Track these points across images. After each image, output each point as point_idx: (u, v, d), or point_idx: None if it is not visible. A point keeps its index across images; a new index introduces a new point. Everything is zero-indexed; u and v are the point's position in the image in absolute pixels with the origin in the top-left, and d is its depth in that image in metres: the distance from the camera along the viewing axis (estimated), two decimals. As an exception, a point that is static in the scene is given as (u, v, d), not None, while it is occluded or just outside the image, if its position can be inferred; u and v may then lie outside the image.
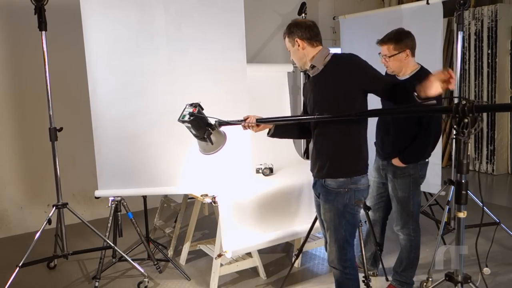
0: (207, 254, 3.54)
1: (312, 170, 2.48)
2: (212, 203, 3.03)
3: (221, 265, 3.18)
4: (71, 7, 3.70)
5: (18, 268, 3.09)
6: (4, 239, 4.40)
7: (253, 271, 3.48)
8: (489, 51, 6.35)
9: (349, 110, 2.20)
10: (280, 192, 3.27)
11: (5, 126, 4.44)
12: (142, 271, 3.31)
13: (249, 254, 3.34)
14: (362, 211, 2.93)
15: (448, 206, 3.46)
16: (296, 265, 3.55)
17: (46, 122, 3.26)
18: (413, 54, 2.83)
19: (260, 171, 3.62)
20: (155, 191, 3.42)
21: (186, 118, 2.36)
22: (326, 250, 2.58)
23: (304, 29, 2.31)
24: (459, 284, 2.10)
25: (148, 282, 3.28)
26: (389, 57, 2.81)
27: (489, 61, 6.37)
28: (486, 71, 6.43)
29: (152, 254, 3.56)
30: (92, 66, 3.20)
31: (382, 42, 2.86)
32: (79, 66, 3.46)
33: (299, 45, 2.34)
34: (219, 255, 3.06)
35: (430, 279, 3.13)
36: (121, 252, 3.40)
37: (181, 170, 3.33)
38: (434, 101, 2.12)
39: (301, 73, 5.51)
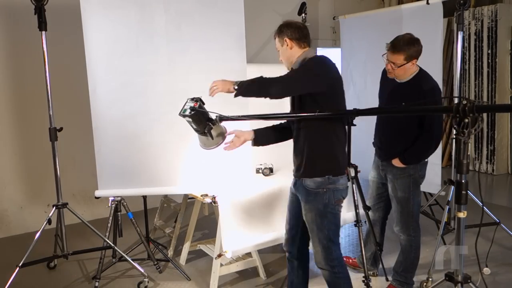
0: (207, 254, 3.54)
1: (293, 170, 2.51)
2: (212, 203, 3.03)
3: (221, 265, 3.18)
4: (71, 7, 3.70)
5: (18, 268, 3.09)
6: (4, 239, 4.40)
7: (253, 271, 3.48)
8: (489, 51, 6.35)
9: (313, 110, 2.27)
10: (280, 192, 3.27)
11: (5, 126, 4.44)
12: (142, 271, 3.31)
13: (249, 254, 3.34)
14: (362, 211, 2.96)
15: (448, 206, 3.46)
16: (296, 265, 3.54)
17: (46, 122, 3.26)
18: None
19: (260, 171, 3.62)
20: (155, 191, 3.42)
21: (187, 113, 2.35)
22: (283, 247, 2.66)
23: (293, 29, 2.37)
24: (459, 284, 2.10)
25: (148, 282, 3.28)
26: (398, 66, 2.74)
27: (489, 61, 6.37)
28: (486, 71, 6.43)
29: (152, 254, 3.56)
30: (92, 66, 3.19)
31: (393, 51, 2.73)
32: (79, 66, 3.46)
33: (287, 45, 2.38)
34: (219, 255, 3.06)
35: (430, 279, 3.13)
36: (121, 252, 3.40)
37: (181, 170, 3.33)
38: None
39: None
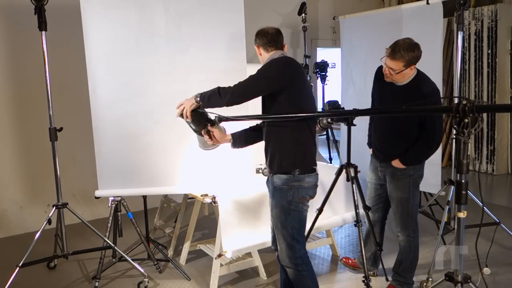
0: (207, 254, 3.54)
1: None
2: (212, 203, 3.03)
3: (221, 265, 3.18)
4: (71, 7, 3.70)
5: (18, 268, 3.09)
6: (4, 239, 4.40)
7: (253, 271, 3.48)
8: (489, 51, 6.34)
9: (276, 111, 2.38)
10: (280, 192, 3.27)
11: (5, 126, 4.44)
12: (142, 271, 3.31)
13: (249, 254, 3.34)
14: (362, 211, 2.96)
15: (448, 206, 3.46)
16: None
17: (46, 122, 3.26)
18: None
19: (260, 171, 3.59)
20: (155, 191, 3.42)
21: None
22: (271, 245, 2.71)
23: (261, 36, 2.50)
24: (459, 284, 2.10)
25: (148, 282, 3.28)
26: (397, 73, 2.72)
27: (489, 61, 6.37)
28: (486, 71, 6.43)
29: (152, 254, 3.56)
30: (92, 66, 3.20)
31: (393, 57, 2.69)
32: (79, 66, 3.46)
33: (257, 50, 2.55)
34: (219, 255, 3.06)
35: (430, 279, 3.13)
36: (121, 252, 3.40)
37: (181, 170, 3.33)
38: None
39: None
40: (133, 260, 3.38)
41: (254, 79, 2.36)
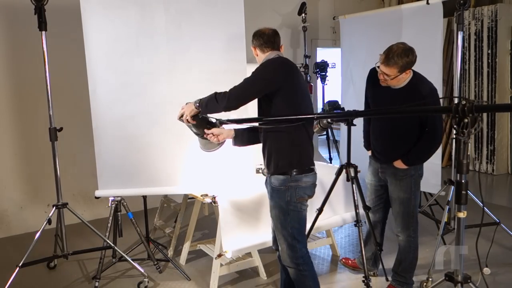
0: (207, 254, 3.54)
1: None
2: (212, 203, 3.03)
3: (221, 265, 3.18)
4: (71, 7, 3.70)
5: (18, 268, 3.09)
6: (4, 239, 4.40)
7: (253, 271, 3.48)
8: (489, 51, 6.34)
9: (272, 112, 2.38)
10: (280, 192, 3.27)
11: (5, 126, 4.44)
12: (142, 271, 3.31)
13: (249, 254, 3.34)
14: (362, 212, 2.96)
15: (448, 206, 3.46)
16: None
17: (46, 122, 3.26)
18: None
19: (260, 171, 3.60)
20: (155, 191, 3.42)
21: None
22: (272, 245, 2.72)
23: (257, 37, 2.51)
24: (459, 284, 2.10)
25: (148, 282, 3.28)
26: (392, 78, 2.71)
27: (489, 61, 6.37)
28: (486, 71, 6.42)
29: (152, 254, 3.56)
30: (92, 66, 3.20)
31: (387, 64, 2.67)
32: (79, 66, 3.46)
33: (254, 51, 2.56)
34: (219, 255, 3.06)
35: (430, 279, 3.13)
36: (121, 252, 3.40)
37: (181, 170, 3.33)
38: None
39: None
40: (133, 260, 3.38)
41: (249, 81, 2.36)
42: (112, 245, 3.39)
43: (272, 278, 3.40)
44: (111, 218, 3.41)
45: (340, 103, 3.48)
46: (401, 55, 2.63)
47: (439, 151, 4.03)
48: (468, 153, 1.89)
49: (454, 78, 3.71)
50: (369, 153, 3.12)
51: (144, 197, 3.65)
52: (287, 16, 6.15)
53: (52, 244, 3.51)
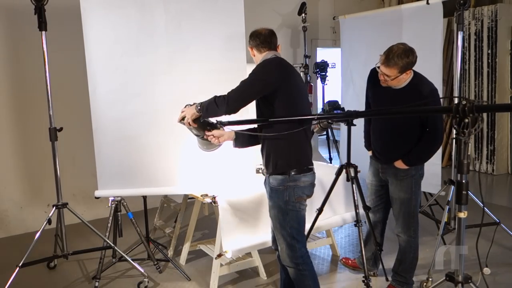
0: (207, 254, 3.54)
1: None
2: (212, 203, 3.03)
3: (221, 265, 3.18)
4: (71, 7, 3.70)
5: (18, 268, 3.09)
6: (4, 239, 4.40)
7: (253, 271, 3.48)
8: (489, 51, 6.34)
9: (271, 113, 2.38)
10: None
11: (5, 126, 4.44)
12: (142, 271, 3.30)
13: (249, 254, 3.34)
14: (362, 212, 2.96)
15: (448, 206, 3.46)
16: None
17: (46, 122, 3.26)
18: None
19: (260, 171, 3.60)
20: (155, 191, 3.42)
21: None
22: (271, 245, 2.73)
23: (254, 37, 2.51)
24: (460, 284, 2.10)
25: (148, 282, 3.28)
26: (392, 79, 2.71)
27: (489, 61, 6.37)
28: (486, 71, 6.43)
29: (152, 254, 3.56)
30: (92, 66, 3.20)
31: (387, 65, 2.67)
32: (79, 66, 3.46)
33: (251, 52, 2.55)
34: (219, 255, 3.06)
35: (430, 279, 3.13)
36: (121, 252, 3.40)
37: (181, 170, 3.33)
38: None
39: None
40: (133, 260, 3.38)
41: (247, 83, 2.36)
42: (112, 245, 3.39)
43: (272, 278, 3.40)
44: (111, 218, 3.41)
45: (340, 103, 3.48)
46: (401, 55, 2.62)
47: (439, 151, 4.03)
48: (469, 153, 1.89)
49: (454, 78, 3.71)
50: (370, 153, 3.12)
51: (144, 197, 3.65)
52: (287, 16, 6.15)
53: (52, 244, 3.51)
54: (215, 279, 3.14)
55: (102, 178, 3.30)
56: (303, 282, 2.52)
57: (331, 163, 5.61)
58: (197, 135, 2.55)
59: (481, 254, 2.37)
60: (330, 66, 5.66)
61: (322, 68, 5.60)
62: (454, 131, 2.07)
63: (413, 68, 2.76)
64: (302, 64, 5.61)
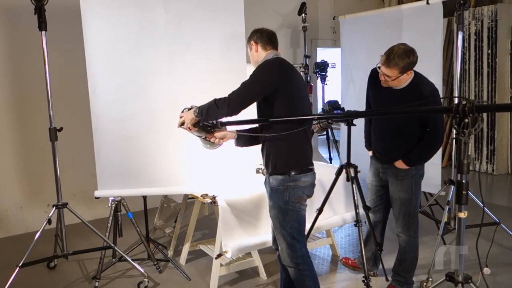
0: (207, 254, 3.54)
1: None
2: (212, 203, 3.03)
3: (221, 265, 3.18)
4: (71, 7, 3.70)
5: (18, 268, 3.09)
6: (4, 239, 4.40)
7: (253, 271, 3.48)
8: (489, 51, 6.35)
9: (271, 113, 2.37)
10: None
11: (5, 126, 4.44)
12: (142, 271, 3.30)
13: (249, 254, 3.34)
14: (362, 212, 2.96)
15: (448, 206, 3.46)
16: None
17: (46, 122, 3.26)
18: None
19: (260, 171, 3.61)
20: (155, 191, 3.42)
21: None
22: (272, 245, 2.72)
23: (260, 33, 2.51)
24: (460, 284, 2.10)
25: (148, 282, 3.28)
26: (393, 79, 2.71)
27: (489, 61, 6.37)
28: (486, 71, 6.43)
29: (152, 254, 3.56)
30: (92, 66, 3.20)
31: (387, 65, 2.67)
32: (79, 66, 3.46)
33: (254, 47, 2.53)
34: (219, 255, 3.06)
35: (430, 279, 3.13)
36: (121, 252, 3.40)
37: (181, 170, 3.33)
38: None
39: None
40: (133, 260, 3.38)
41: (248, 85, 2.36)
42: (112, 245, 3.39)
43: (272, 278, 3.40)
44: (111, 218, 3.41)
45: (340, 103, 3.48)
46: (402, 56, 2.62)
47: (439, 151, 4.03)
48: (469, 153, 1.89)
49: (454, 78, 3.71)
50: (370, 153, 3.12)
51: (144, 197, 3.65)
52: (287, 16, 6.15)
53: (52, 244, 3.51)
54: (215, 279, 3.14)
55: (102, 178, 3.30)
56: (304, 282, 2.52)
57: (331, 163, 5.61)
58: (199, 137, 2.56)
59: (481, 254, 2.37)
60: (330, 66, 5.67)
61: (322, 68, 5.60)
62: (454, 131, 2.07)
63: (413, 68, 2.76)
64: (302, 64, 5.61)
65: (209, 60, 3.25)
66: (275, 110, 2.37)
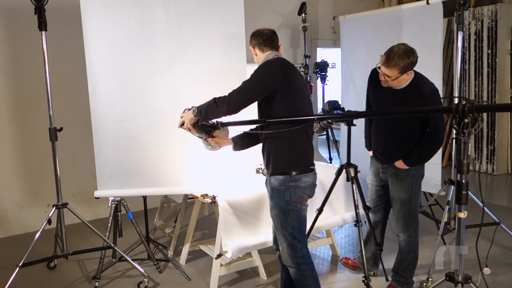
0: (207, 254, 3.54)
1: None
2: (212, 203, 3.03)
3: (221, 265, 3.18)
4: (71, 7, 3.70)
5: (18, 268, 3.09)
6: (4, 239, 4.40)
7: (253, 271, 3.48)
8: (489, 51, 6.35)
9: (272, 113, 2.37)
10: (280, 192, 3.26)
11: (5, 126, 4.44)
12: (142, 271, 3.30)
13: (249, 254, 3.34)
14: (362, 212, 2.96)
15: (448, 206, 3.46)
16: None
17: (46, 122, 3.26)
18: None
19: (260, 171, 3.59)
20: (155, 191, 3.42)
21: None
22: (273, 245, 2.73)
23: (256, 37, 2.51)
24: (460, 284, 2.10)
25: (148, 282, 3.28)
26: (393, 79, 2.71)
27: (489, 61, 6.37)
28: (486, 71, 6.43)
29: (152, 254, 3.56)
30: (92, 66, 3.20)
31: (387, 65, 2.67)
32: (79, 66, 3.46)
33: (253, 51, 2.55)
34: (219, 255, 3.06)
35: (430, 279, 3.13)
36: (121, 252, 3.40)
37: (181, 170, 3.33)
38: None
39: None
40: (133, 260, 3.38)
41: (249, 84, 2.36)
42: (112, 245, 3.39)
43: (272, 278, 3.40)
44: (111, 218, 3.41)
45: (340, 103, 3.48)
46: (402, 56, 2.62)
47: (439, 151, 4.03)
48: (469, 153, 1.89)
49: (454, 78, 3.71)
50: (370, 153, 3.12)
51: (144, 197, 3.65)
52: (287, 16, 6.15)
53: (52, 244, 3.51)
54: (215, 279, 3.14)
55: (102, 178, 3.30)
56: (304, 282, 2.52)
57: (331, 163, 5.61)
58: (199, 137, 2.56)
59: (481, 254, 2.38)
60: (330, 66, 5.66)
61: (322, 68, 5.60)
62: (454, 131, 2.07)
63: (414, 68, 2.76)
64: (302, 64, 5.61)
65: (209, 60, 3.25)
66: (276, 109, 2.37)
